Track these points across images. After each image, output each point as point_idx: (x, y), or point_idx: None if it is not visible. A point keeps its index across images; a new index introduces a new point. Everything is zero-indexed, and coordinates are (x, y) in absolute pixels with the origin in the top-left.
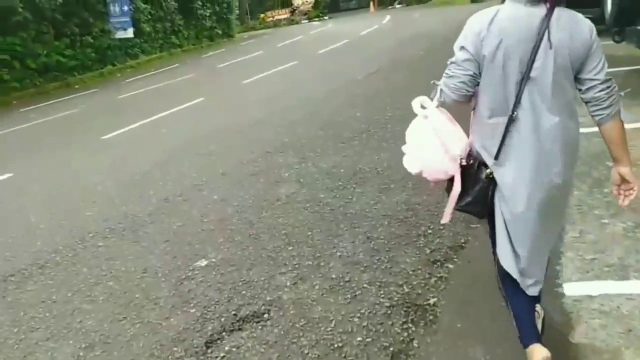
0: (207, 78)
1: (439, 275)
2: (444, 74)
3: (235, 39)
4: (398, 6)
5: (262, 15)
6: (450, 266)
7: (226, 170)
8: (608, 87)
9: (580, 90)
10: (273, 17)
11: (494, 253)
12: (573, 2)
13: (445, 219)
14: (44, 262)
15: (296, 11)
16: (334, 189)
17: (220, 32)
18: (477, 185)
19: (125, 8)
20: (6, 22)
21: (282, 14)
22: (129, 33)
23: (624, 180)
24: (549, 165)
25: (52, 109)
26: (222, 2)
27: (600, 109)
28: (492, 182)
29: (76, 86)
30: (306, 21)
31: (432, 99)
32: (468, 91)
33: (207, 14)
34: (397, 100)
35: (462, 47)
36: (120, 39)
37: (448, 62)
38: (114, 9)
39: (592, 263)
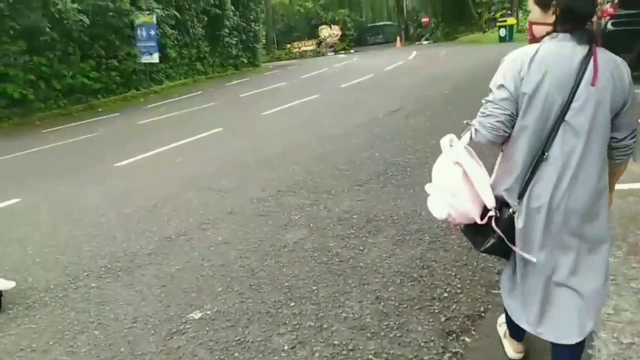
0: (228, 107)
1: (453, 351)
2: (479, 113)
3: (260, 69)
4: (425, 42)
5: (288, 46)
6: (467, 340)
7: (234, 209)
8: (635, 135)
9: (614, 137)
10: (299, 48)
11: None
12: (608, 47)
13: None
14: (32, 301)
15: (322, 43)
16: (345, 237)
17: (245, 60)
18: (500, 226)
19: (152, 32)
20: (34, 42)
21: (309, 46)
22: (155, 58)
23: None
24: (576, 212)
25: (72, 132)
26: (248, 31)
27: (625, 154)
28: (513, 222)
29: (99, 109)
30: (332, 53)
31: (461, 138)
32: (505, 131)
33: (233, 42)
34: (417, 141)
35: (501, 86)
36: (145, 64)
37: (484, 101)
38: (141, 33)
39: (630, 349)
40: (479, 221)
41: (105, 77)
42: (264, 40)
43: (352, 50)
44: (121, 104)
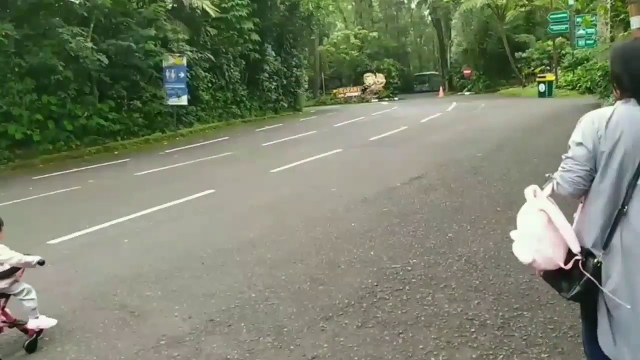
0: (241, 159)
1: None
2: (560, 168)
3: (301, 113)
4: (467, 93)
5: (334, 91)
6: None
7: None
8: None
9: None
10: (344, 93)
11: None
12: None
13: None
14: None
15: (367, 90)
16: None
17: (286, 104)
18: (585, 275)
19: (182, 75)
20: (43, 80)
21: (354, 92)
22: (183, 100)
23: None
24: None
25: (61, 181)
26: (290, 76)
27: None
28: (600, 271)
29: (115, 152)
30: (376, 100)
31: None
32: (584, 185)
33: (273, 87)
34: (430, 232)
35: (580, 144)
36: (172, 106)
37: (563, 157)
38: (170, 74)
39: None
40: (563, 266)
41: (126, 119)
42: (306, 85)
43: (395, 98)
44: (140, 147)
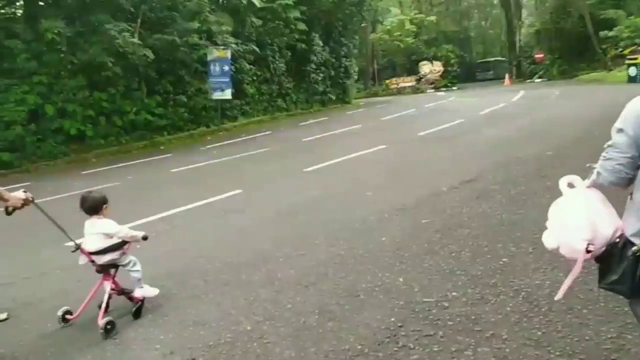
0: (280, 155)
1: None
2: (601, 157)
3: (349, 106)
4: (537, 80)
5: (387, 82)
6: None
7: None
8: None
9: None
10: (397, 84)
11: None
12: None
13: (559, 294)
14: None
15: (422, 79)
16: None
17: (334, 97)
18: (623, 263)
19: (226, 68)
20: (94, 77)
21: (407, 82)
22: (227, 94)
23: None
24: None
25: (105, 177)
26: (338, 66)
27: None
28: (638, 261)
29: (161, 147)
30: (432, 90)
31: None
32: (627, 174)
33: (320, 78)
34: (478, 252)
35: (620, 130)
36: (216, 100)
37: (605, 145)
38: (214, 68)
39: None
40: (583, 255)
41: (171, 114)
42: (355, 76)
43: (454, 88)
44: (184, 142)
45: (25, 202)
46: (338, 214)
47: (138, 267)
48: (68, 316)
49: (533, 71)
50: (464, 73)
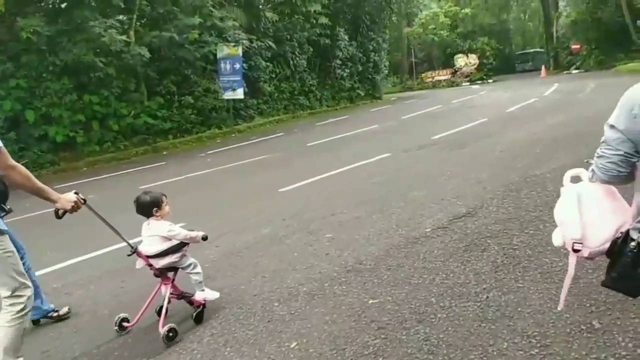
0: (269, 166)
1: None
2: (596, 153)
3: (379, 102)
4: (574, 71)
5: (422, 75)
6: None
7: None
8: None
9: None
10: (432, 77)
11: None
12: None
13: (561, 305)
14: None
15: (458, 72)
16: None
17: (362, 93)
18: (622, 259)
19: (237, 66)
20: (82, 79)
21: (443, 75)
22: (239, 94)
23: None
24: None
25: (89, 189)
26: (367, 61)
27: None
28: (638, 256)
29: (164, 152)
30: (467, 83)
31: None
32: (620, 172)
33: (346, 74)
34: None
35: (612, 126)
36: (227, 100)
37: (601, 141)
38: (225, 66)
39: None
40: (585, 253)
41: (177, 116)
42: (385, 71)
43: (490, 80)
44: (191, 146)
45: (76, 205)
46: (268, 282)
47: (199, 269)
48: (125, 323)
49: (570, 62)
50: (503, 65)
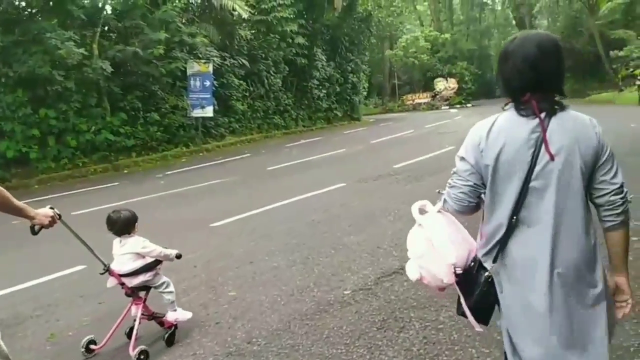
0: (217, 193)
1: None
2: (447, 183)
3: (356, 123)
4: None
5: (403, 98)
6: None
7: None
8: (622, 192)
9: (592, 194)
10: (413, 100)
11: None
12: None
13: (476, 327)
14: None
15: (437, 96)
16: None
17: (340, 113)
18: (476, 290)
19: (207, 83)
20: (38, 92)
21: (423, 98)
22: (208, 112)
23: (619, 290)
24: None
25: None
26: (344, 83)
27: (614, 214)
28: (492, 286)
29: (125, 170)
30: (446, 107)
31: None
32: (470, 202)
33: (322, 94)
34: None
35: (462, 158)
36: (196, 118)
37: (452, 172)
38: (195, 83)
39: None
40: (446, 281)
41: (142, 133)
42: (364, 93)
43: (468, 105)
44: (154, 164)
45: (53, 220)
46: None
47: (171, 288)
48: (92, 346)
49: None
50: (483, 89)
